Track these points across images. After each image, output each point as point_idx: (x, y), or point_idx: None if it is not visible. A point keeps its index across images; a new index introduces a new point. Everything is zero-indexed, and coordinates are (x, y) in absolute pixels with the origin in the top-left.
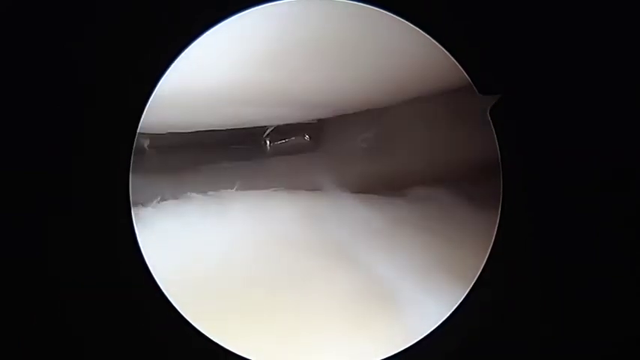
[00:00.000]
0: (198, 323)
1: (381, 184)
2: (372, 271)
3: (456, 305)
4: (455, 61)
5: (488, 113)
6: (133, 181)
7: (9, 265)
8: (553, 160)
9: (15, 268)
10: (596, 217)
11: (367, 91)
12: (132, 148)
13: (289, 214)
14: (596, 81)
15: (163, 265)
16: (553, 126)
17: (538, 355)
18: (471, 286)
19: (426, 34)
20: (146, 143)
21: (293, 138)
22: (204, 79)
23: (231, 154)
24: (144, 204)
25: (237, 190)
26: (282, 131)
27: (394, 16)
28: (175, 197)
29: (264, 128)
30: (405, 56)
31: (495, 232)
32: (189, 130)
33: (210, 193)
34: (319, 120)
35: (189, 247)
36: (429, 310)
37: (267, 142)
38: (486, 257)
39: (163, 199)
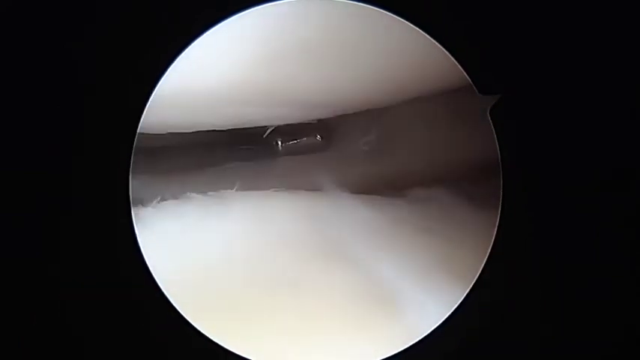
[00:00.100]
0: (198, 323)
1: (381, 185)
2: (372, 272)
3: (456, 305)
4: (455, 61)
5: (488, 113)
6: (133, 181)
7: (9, 265)
8: (553, 160)
9: (15, 268)
10: (596, 217)
11: (367, 91)
12: (132, 148)
13: (289, 214)
14: (596, 81)
15: (163, 265)
16: (553, 126)
17: (538, 355)
18: (470, 286)
19: (426, 34)
20: (146, 143)
21: (305, 138)
22: (205, 79)
23: (232, 154)
24: (144, 204)
25: (237, 190)
26: (283, 132)
27: (394, 16)
28: (175, 197)
29: (264, 128)
30: (405, 56)
31: (495, 232)
32: (190, 131)
33: (210, 193)
34: (319, 120)
35: (190, 247)
36: (429, 310)
37: (279, 143)
38: (486, 257)
39: (163, 199)
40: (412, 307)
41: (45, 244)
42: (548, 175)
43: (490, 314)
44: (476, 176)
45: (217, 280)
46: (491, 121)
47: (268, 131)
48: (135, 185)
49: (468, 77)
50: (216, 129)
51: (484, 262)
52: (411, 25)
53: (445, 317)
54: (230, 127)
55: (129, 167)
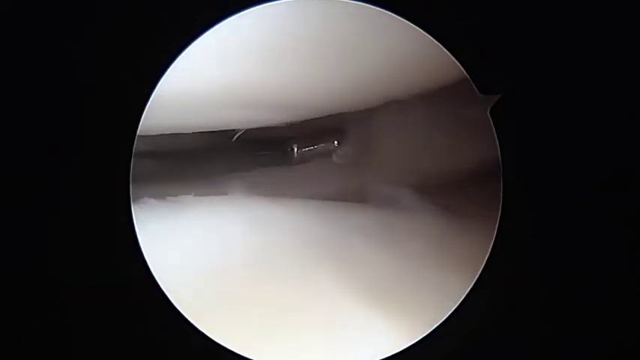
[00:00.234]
0: (198, 323)
1: (381, 185)
2: (372, 272)
3: (456, 306)
4: (455, 61)
5: (488, 113)
6: (133, 181)
7: (9, 265)
8: (553, 161)
9: (15, 268)
10: (596, 217)
11: (367, 91)
12: (132, 148)
13: (290, 215)
14: (596, 81)
15: (163, 265)
16: (553, 126)
17: (538, 355)
18: (471, 286)
19: (426, 34)
20: (146, 143)
21: (322, 145)
22: (205, 79)
23: (231, 156)
24: (144, 204)
25: (237, 194)
26: (300, 137)
27: (394, 15)
28: (175, 197)
29: (263, 129)
30: (405, 56)
31: (495, 232)
32: (189, 131)
33: (210, 193)
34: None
35: (190, 246)
36: (429, 310)
37: (295, 149)
38: (486, 257)
39: (163, 199)
40: (412, 307)
41: (45, 244)
42: (548, 175)
43: (490, 314)
44: (476, 176)
45: (217, 279)
46: (491, 121)
47: (237, 134)
48: (135, 185)
49: (468, 77)
50: (217, 129)
51: (484, 262)
52: (412, 24)
53: (445, 317)
54: (230, 129)
55: (129, 167)
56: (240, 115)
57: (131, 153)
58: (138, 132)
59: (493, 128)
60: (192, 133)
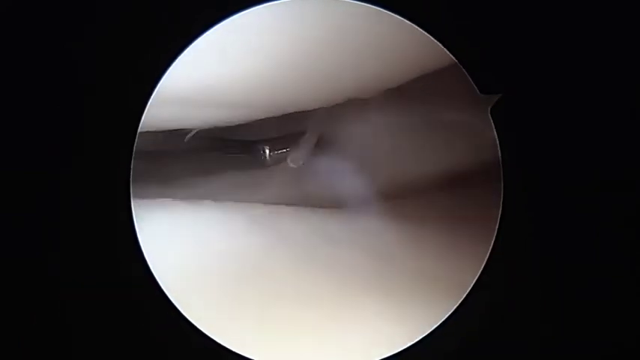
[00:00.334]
0: (198, 322)
1: (381, 185)
2: (372, 272)
3: (456, 306)
4: (455, 60)
5: (488, 113)
6: (134, 181)
7: (9, 265)
8: (553, 160)
9: (15, 268)
10: (596, 217)
11: (367, 91)
12: (132, 148)
13: (290, 215)
14: (596, 81)
15: (164, 264)
16: (553, 126)
17: (538, 355)
18: (470, 286)
19: (426, 33)
20: (146, 143)
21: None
22: (205, 79)
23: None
24: (144, 203)
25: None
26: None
27: (394, 15)
28: (175, 196)
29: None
30: (405, 56)
31: (495, 232)
32: (189, 131)
33: (210, 193)
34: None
35: (190, 246)
36: (429, 310)
37: (267, 152)
38: (486, 257)
39: (163, 199)
40: (412, 307)
41: (45, 244)
42: (548, 175)
43: (490, 314)
44: (476, 176)
45: (218, 279)
46: (491, 120)
47: (190, 134)
48: (135, 185)
49: (468, 77)
50: (214, 129)
51: (484, 262)
52: (412, 24)
53: (445, 317)
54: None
55: (129, 167)
56: (240, 115)
57: (131, 153)
58: (138, 131)
59: (493, 128)
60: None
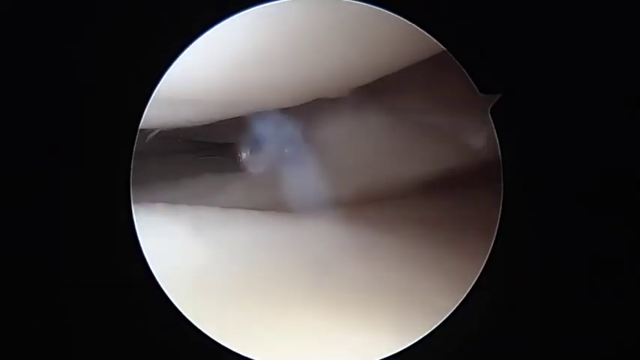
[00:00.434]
0: (198, 322)
1: (380, 186)
2: (372, 272)
3: (456, 306)
4: (455, 60)
5: (488, 113)
6: (134, 181)
7: (9, 265)
8: (553, 160)
9: (15, 268)
10: (596, 217)
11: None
12: (132, 148)
13: (290, 216)
14: (596, 81)
15: (164, 265)
16: (553, 126)
17: (538, 355)
18: (470, 286)
19: (426, 33)
20: (146, 143)
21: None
22: (205, 79)
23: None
24: (144, 204)
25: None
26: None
27: (394, 14)
28: (176, 197)
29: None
30: (405, 56)
31: (495, 232)
32: (189, 131)
33: (210, 193)
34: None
35: (190, 246)
36: (430, 310)
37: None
38: (486, 258)
39: (164, 199)
40: (412, 307)
41: (45, 244)
42: (548, 175)
43: (490, 314)
44: (476, 176)
45: (218, 279)
46: (491, 120)
47: (152, 134)
48: (135, 185)
49: (468, 77)
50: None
51: (484, 262)
52: (412, 24)
53: (445, 317)
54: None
55: (129, 167)
56: (240, 115)
57: (131, 153)
58: (138, 131)
59: (493, 128)
60: (192, 132)
